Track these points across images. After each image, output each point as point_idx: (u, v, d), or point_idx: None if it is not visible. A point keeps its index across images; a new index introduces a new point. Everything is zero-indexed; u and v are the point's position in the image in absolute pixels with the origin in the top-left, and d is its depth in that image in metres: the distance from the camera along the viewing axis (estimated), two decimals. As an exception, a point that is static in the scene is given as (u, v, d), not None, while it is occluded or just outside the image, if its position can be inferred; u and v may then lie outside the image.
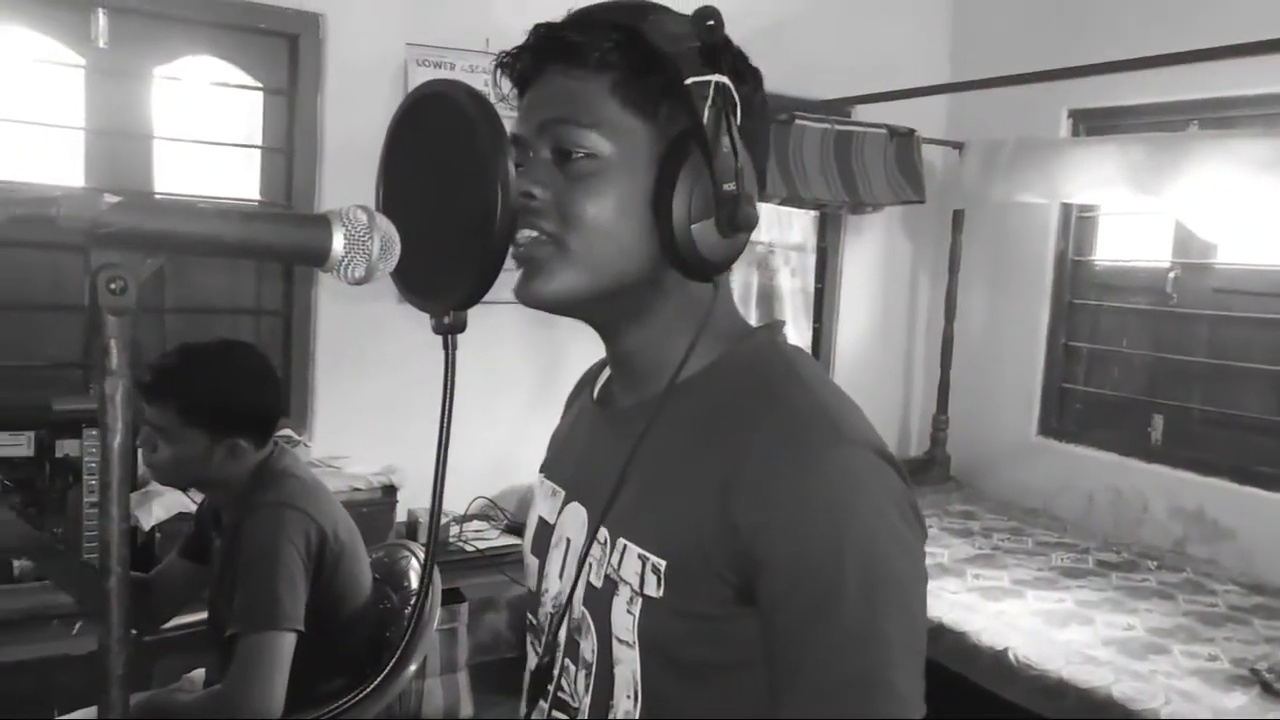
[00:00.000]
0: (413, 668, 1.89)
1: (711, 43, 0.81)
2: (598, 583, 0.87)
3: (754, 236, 3.33)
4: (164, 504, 2.66)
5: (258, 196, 3.20)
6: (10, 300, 2.82)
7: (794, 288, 4.10)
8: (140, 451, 1.85)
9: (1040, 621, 2.80)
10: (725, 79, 0.81)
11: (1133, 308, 3.89)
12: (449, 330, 0.79)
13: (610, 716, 0.86)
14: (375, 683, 0.88)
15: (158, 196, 2.99)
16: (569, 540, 0.93)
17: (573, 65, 0.84)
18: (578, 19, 0.86)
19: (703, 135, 0.80)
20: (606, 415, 0.98)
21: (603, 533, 0.87)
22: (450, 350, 0.80)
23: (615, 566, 0.85)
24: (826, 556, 0.76)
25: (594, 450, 0.95)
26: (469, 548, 3.17)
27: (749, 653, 0.80)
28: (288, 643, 1.68)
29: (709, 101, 0.80)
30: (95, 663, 1.76)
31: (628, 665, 0.84)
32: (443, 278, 0.78)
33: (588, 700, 0.88)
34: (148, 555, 2.70)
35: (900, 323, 4.54)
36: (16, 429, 2.65)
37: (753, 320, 3.55)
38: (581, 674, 0.89)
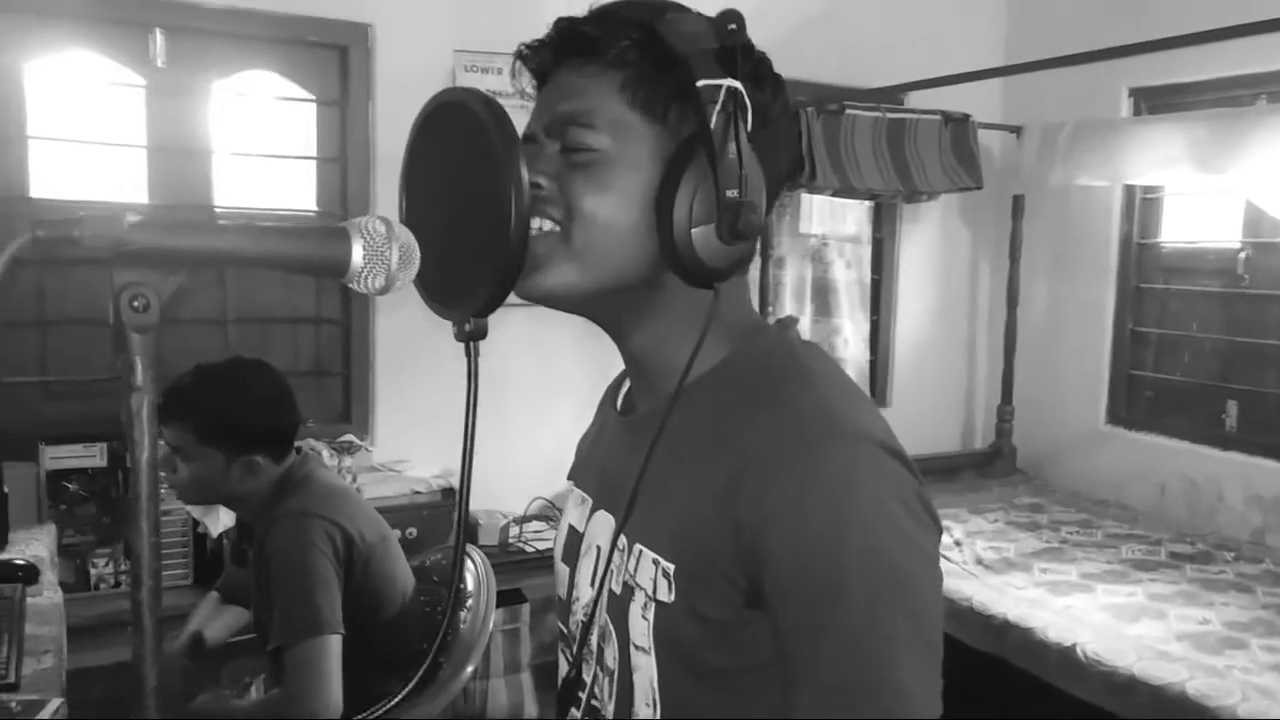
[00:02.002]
0: (469, 670, 1.91)
1: (729, 46, 0.80)
2: (617, 589, 0.87)
3: (807, 228, 3.27)
4: (230, 512, 2.72)
5: (314, 207, 3.26)
6: (80, 315, 2.91)
7: (849, 280, 4.05)
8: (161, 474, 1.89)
9: (1110, 616, 2.73)
10: (736, 83, 0.79)
11: (1202, 290, 3.77)
12: (470, 337, 0.79)
13: None
14: (402, 693, 0.88)
15: (215, 210, 3.07)
16: (599, 548, 0.93)
17: (587, 61, 0.84)
18: (598, 14, 0.86)
19: (709, 139, 0.79)
20: (626, 422, 0.97)
21: (622, 539, 0.87)
22: (473, 357, 0.80)
23: (632, 572, 0.85)
24: (827, 555, 0.74)
25: (616, 457, 0.95)
26: (529, 548, 3.20)
27: (763, 656, 0.79)
28: (333, 646, 1.71)
29: (719, 105, 0.79)
30: (169, 662, 1.79)
31: (645, 672, 0.84)
32: (462, 285, 0.78)
33: (611, 707, 0.88)
34: (218, 562, 2.77)
35: (961, 312, 4.46)
36: (90, 440, 2.74)
37: (807, 317, 3.50)
38: (607, 681, 0.89)
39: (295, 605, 1.74)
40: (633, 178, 0.82)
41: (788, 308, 3.93)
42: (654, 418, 0.87)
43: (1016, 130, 3.94)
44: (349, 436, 3.18)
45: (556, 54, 0.86)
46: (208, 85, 3.06)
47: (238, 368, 1.95)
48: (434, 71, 3.16)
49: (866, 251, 4.10)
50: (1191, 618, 2.72)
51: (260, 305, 3.18)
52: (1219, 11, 2.75)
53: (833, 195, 3.73)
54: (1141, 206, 3.94)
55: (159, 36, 2.95)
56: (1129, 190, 3.90)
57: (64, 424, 2.80)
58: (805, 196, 3.84)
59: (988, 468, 4.18)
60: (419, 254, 0.75)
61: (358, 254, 0.72)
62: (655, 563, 0.83)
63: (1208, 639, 2.59)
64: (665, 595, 0.81)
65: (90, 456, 2.72)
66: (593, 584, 0.93)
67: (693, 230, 0.81)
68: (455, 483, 3.09)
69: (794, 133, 0.93)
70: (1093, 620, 2.70)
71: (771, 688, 0.79)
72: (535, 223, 0.83)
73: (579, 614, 0.94)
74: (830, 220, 4.00)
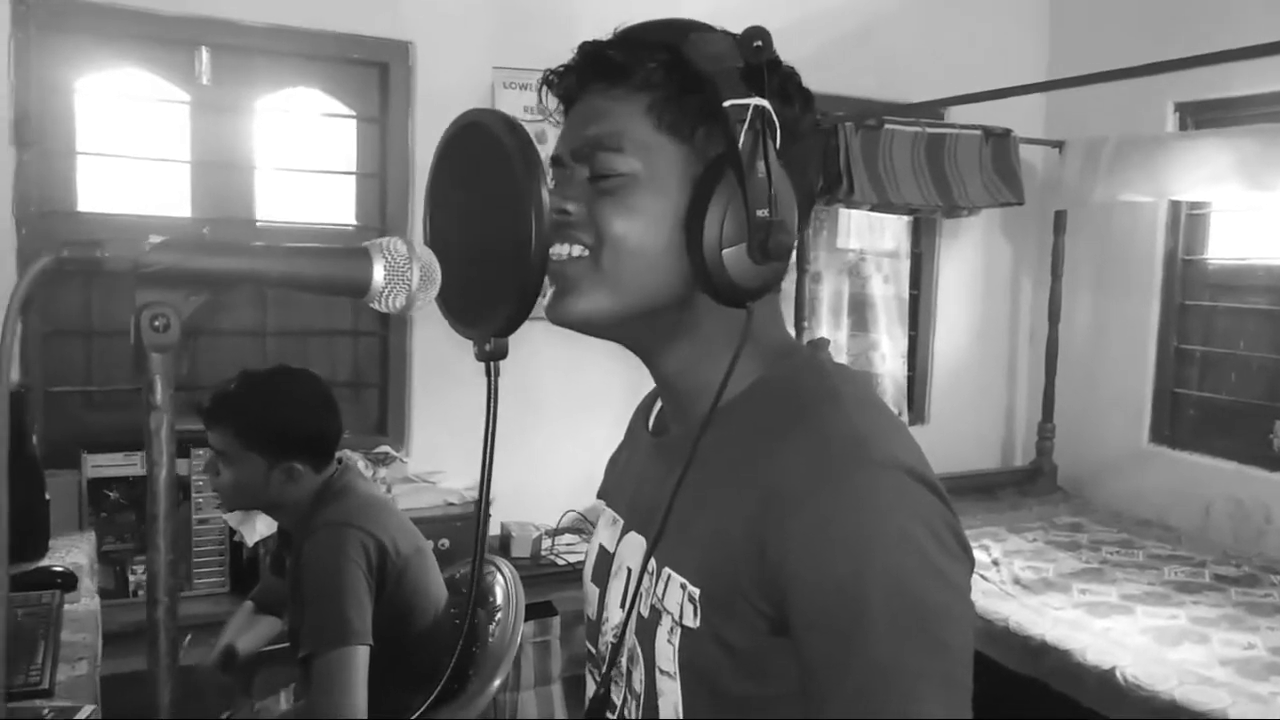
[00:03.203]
0: (497, 682, 1.91)
1: (755, 64, 0.80)
2: (645, 612, 0.86)
3: (844, 243, 3.25)
4: (267, 521, 2.75)
5: (354, 221, 3.30)
6: (124, 327, 2.95)
7: (887, 295, 4.01)
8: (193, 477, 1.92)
9: (1151, 639, 2.67)
10: (764, 101, 0.79)
11: (1250, 308, 3.69)
12: (490, 357, 0.79)
13: None
14: (420, 710, 0.89)
15: (255, 226, 3.11)
16: (630, 570, 0.93)
17: (613, 85, 0.84)
18: (622, 38, 0.86)
19: (737, 159, 0.79)
20: (658, 444, 0.97)
21: (652, 563, 0.87)
22: (493, 377, 0.80)
23: (660, 596, 0.84)
24: (850, 586, 0.73)
25: (648, 479, 0.94)
26: (561, 561, 3.20)
27: (788, 685, 0.78)
28: (361, 657, 1.72)
29: (746, 124, 0.78)
30: (196, 675, 1.82)
31: (670, 697, 0.83)
32: (483, 305, 0.79)
33: None
34: (254, 570, 2.80)
35: (1002, 329, 4.41)
36: (130, 450, 2.78)
37: (844, 332, 3.48)
38: (634, 704, 0.89)
39: (325, 615, 1.75)
40: (662, 200, 0.82)
41: (824, 323, 3.91)
42: (686, 440, 0.86)
43: (1059, 145, 3.90)
44: (384, 448, 3.21)
45: (581, 78, 0.86)
46: (251, 102, 3.11)
47: (282, 375, 1.98)
48: (473, 88, 3.19)
49: (905, 266, 4.07)
50: (1236, 642, 2.66)
51: (299, 318, 3.22)
52: (1267, 25, 2.71)
53: (870, 210, 3.71)
54: (1187, 222, 3.87)
55: (204, 54, 3.01)
56: (1174, 206, 3.84)
57: (106, 433, 2.84)
58: (843, 211, 3.82)
59: (1028, 486, 4.12)
60: (440, 274, 0.76)
61: (379, 274, 0.72)
62: (683, 587, 0.82)
63: (1252, 665, 2.52)
64: (691, 620, 0.81)
65: (131, 465, 2.77)
66: (622, 606, 0.92)
67: (724, 251, 0.80)
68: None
69: (823, 147, 0.92)
70: (1133, 643, 2.65)
71: (795, 715, 0.78)
72: (564, 248, 0.83)
73: (609, 635, 0.94)
74: (868, 235, 3.97)
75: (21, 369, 2.80)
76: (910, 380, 4.17)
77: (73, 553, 2.33)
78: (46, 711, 1.54)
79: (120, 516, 2.81)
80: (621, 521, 0.98)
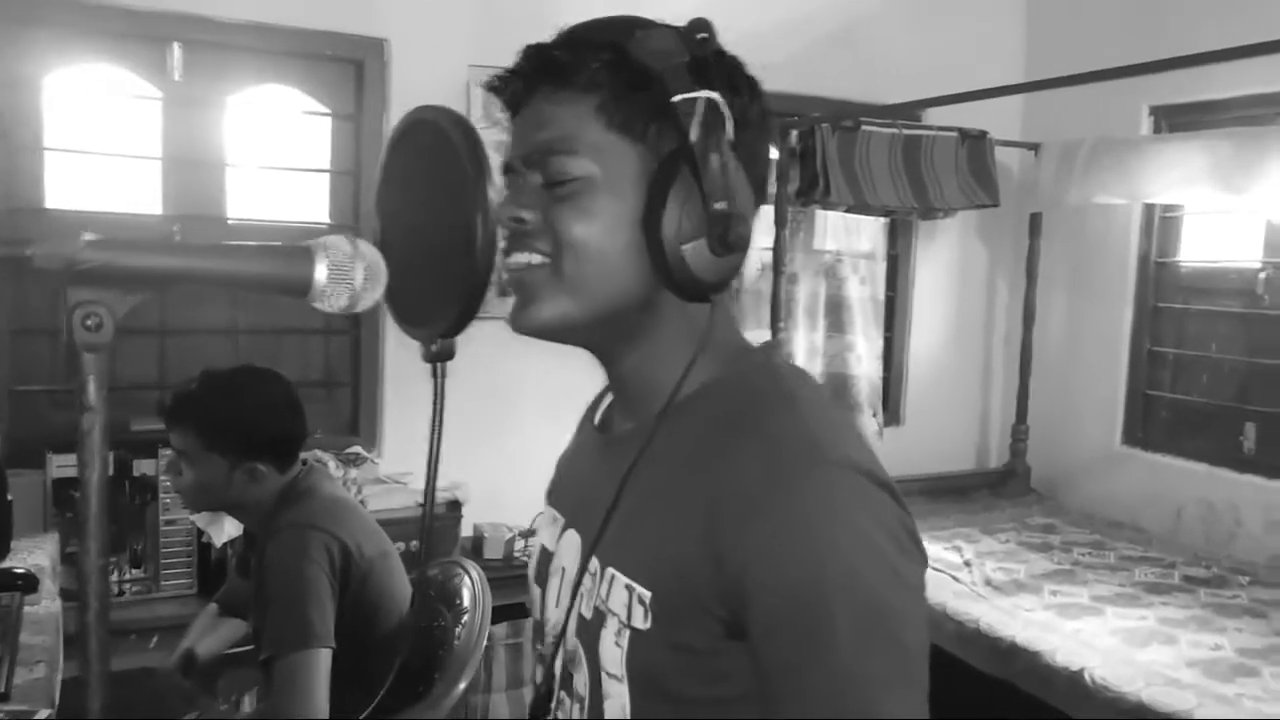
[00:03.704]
0: (463, 684, 1.90)
1: (701, 56, 0.79)
2: (588, 614, 0.85)
3: (821, 244, 3.24)
4: (235, 523, 2.72)
5: (328, 219, 3.28)
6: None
7: (863, 296, 4.01)
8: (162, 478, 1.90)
9: (1120, 641, 2.68)
10: (714, 94, 0.78)
11: (1222, 311, 3.71)
12: (436, 358, 0.78)
13: None
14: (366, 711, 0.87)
15: (227, 224, 3.08)
16: (564, 569, 0.92)
17: (560, 87, 0.82)
18: (566, 38, 0.84)
19: (691, 154, 0.78)
20: (605, 441, 0.96)
21: (594, 562, 0.86)
22: (439, 378, 0.79)
23: (604, 597, 0.83)
24: (810, 590, 0.73)
25: (592, 476, 0.93)
26: (534, 563, 3.18)
27: (742, 687, 0.77)
28: (322, 660, 1.70)
29: (697, 118, 0.78)
30: (158, 679, 1.79)
31: (617, 699, 0.82)
32: (430, 306, 0.78)
33: None
34: (221, 572, 2.78)
35: (977, 330, 4.42)
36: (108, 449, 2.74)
37: (820, 333, 3.47)
38: (576, 707, 0.87)
39: (286, 617, 1.73)
40: (619, 201, 0.81)
41: (800, 324, 3.91)
42: (634, 438, 0.86)
43: (1035, 148, 3.91)
44: (356, 448, 3.19)
45: (528, 82, 0.85)
46: (224, 98, 3.08)
47: (245, 375, 1.96)
48: (448, 86, 3.17)
49: (881, 268, 4.07)
50: (1203, 644, 2.68)
51: (271, 317, 3.20)
52: (1242, 29, 2.71)
53: (847, 211, 3.71)
54: (1160, 225, 3.89)
55: (177, 50, 2.98)
56: (1148, 209, 3.86)
57: (72, 433, 2.80)
58: (819, 212, 3.81)
59: (1001, 487, 4.14)
60: (386, 274, 0.74)
61: (321, 273, 0.71)
62: (629, 589, 0.81)
63: (1219, 666, 2.54)
64: (641, 623, 0.80)
65: (98, 465, 2.73)
66: (558, 605, 0.91)
67: (684, 247, 0.80)
68: (460, 495, 3.09)
69: (772, 133, 0.92)
70: (1102, 645, 2.66)
71: (748, 718, 0.77)
72: (524, 257, 0.82)
73: (548, 636, 0.93)
74: (845, 236, 3.97)
75: (-14, 367, 2.77)
76: (886, 382, 4.17)
77: (35, 554, 2.30)
78: (1, 716, 1.52)
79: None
80: (562, 520, 0.97)
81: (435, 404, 0.78)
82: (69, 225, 2.82)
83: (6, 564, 2.18)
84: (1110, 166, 3.58)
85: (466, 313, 0.75)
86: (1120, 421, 3.96)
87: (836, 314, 3.98)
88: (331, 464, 3.00)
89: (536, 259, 0.82)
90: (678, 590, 0.78)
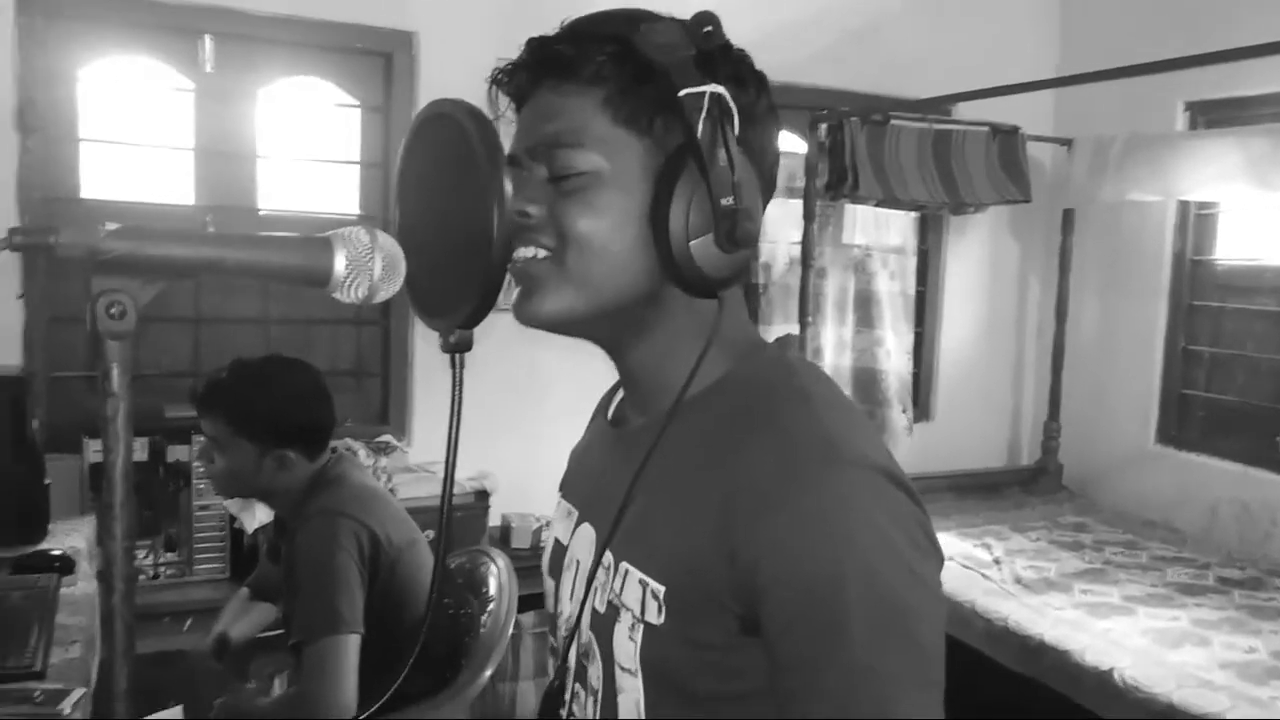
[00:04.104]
0: (488, 672, 1.92)
1: (707, 50, 0.79)
2: (601, 608, 0.85)
3: (850, 239, 3.23)
4: (266, 509, 2.76)
5: (357, 210, 3.31)
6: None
7: (893, 291, 3.99)
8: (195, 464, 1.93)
9: (1151, 641, 2.65)
10: (720, 88, 0.78)
11: (1259, 309, 3.65)
12: (454, 349, 0.79)
13: None
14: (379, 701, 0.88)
15: (258, 214, 3.12)
16: (579, 562, 0.92)
17: (565, 80, 0.82)
18: (570, 31, 0.84)
19: (698, 148, 0.77)
20: (618, 435, 0.96)
21: (607, 556, 0.86)
22: (457, 369, 0.79)
23: (617, 591, 0.83)
24: (825, 588, 0.72)
25: (605, 471, 0.93)
26: (560, 554, 3.20)
27: (757, 683, 0.77)
28: (350, 645, 1.72)
29: (704, 113, 0.77)
30: (191, 661, 1.83)
31: (631, 694, 0.82)
32: (447, 298, 0.78)
33: None
34: (254, 557, 2.81)
35: (1008, 327, 4.38)
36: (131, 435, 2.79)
37: (849, 328, 3.46)
38: (590, 700, 0.87)
39: (316, 603, 1.76)
40: (625, 196, 0.81)
41: (829, 319, 3.89)
42: (647, 433, 0.85)
43: (1068, 143, 3.87)
44: (386, 437, 3.21)
45: (533, 75, 0.84)
46: (255, 90, 3.11)
47: (274, 364, 1.99)
48: (477, 78, 3.12)
49: (911, 263, 4.04)
50: (1237, 645, 2.64)
51: (302, 307, 3.23)
52: (1279, 24, 2.67)
53: (876, 206, 3.69)
54: (1196, 223, 3.84)
55: (208, 42, 3.01)
56: (1183, 206, 3.80)
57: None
58: (849, 207, 3.79)
59: (1033, 485, 4.10)
60: (404, 265, 0.75)
61: (340, 264, 0.72)
62: (643, 584, 0.81)
63: (1253, 668, 2.50)
64: (655, 617, 0.80)
65: (132, 450, 2.78)
66: (571, 598, 0.92)
67: (691, 242, 0.79)
68: (488, 485, 3.11)
69: (779, 128, 0.91)
70: (1133, 645, 2.63)
71: (762, 714, 0.77)
72: (528, 251, 0.82)
73: (562, 629, 0.94)
74: (874, 231, 3.95)
75: (25, 354, 2.82)
76: (915, 377, 4.15)
77: (72, 536, 2.34)
78: (37, 694, 1.55)
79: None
80: (576, 514, 0.97)
81: (454, 394, 0.79)
82: (91, 215, 2.87)
83: (44, 546, 2.24)
84: (1144, 163, 3.53)
85: (483, 305, 0.75)
86: (1154, 420, 3.91)
87: (866, 309, 3.96)
88: (362, 452, 3.03)
89: (541, 253, 0.82)
90: (691, 585, 0.78)
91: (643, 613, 0.81)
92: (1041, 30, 4.22)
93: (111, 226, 0.65)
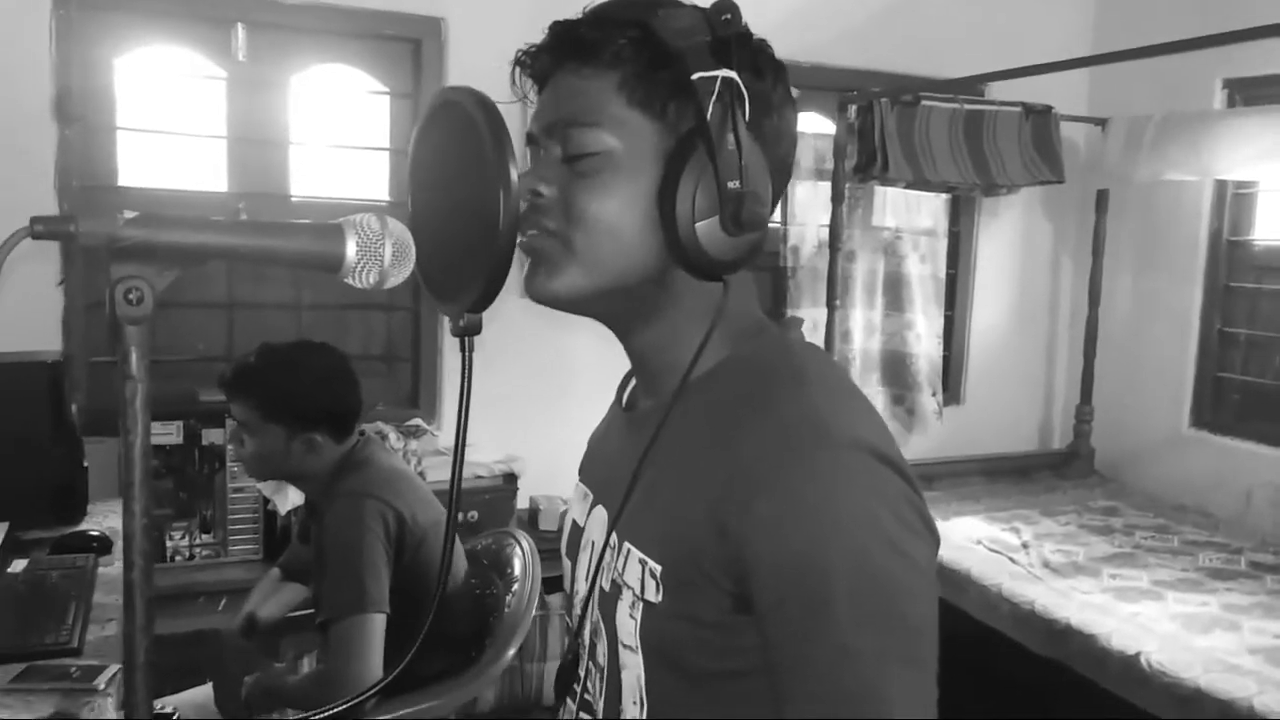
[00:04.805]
0: (512, 651, 1.94)
1: (723, 37, 0.80)
2: (607, 587, 0.87)
3: (880, 221, 3.23)
4: (299, 491, 2.81)
5: (387, 197, 3.34)
6: (161, 299, 3.02)
7: (923, 274, 3.96)
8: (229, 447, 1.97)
9: (1179, 626, 2.64)
10: (732, 74, 0.79)
11: (1297, 290, 3.60)
12: (464, 333, 0.80)
13: None
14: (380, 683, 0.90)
15: (290, 201, 3.15)
16: (594, 543, 0.94)
17: (585, 63, 0.84)
18: (592, 16, 0.86)
19: (707, 132, 0.79)
20: (628, 419, 0.98)
21: (614, 536, 0.88)
22: (466, 352, 0.81)
23: (620, 571, 0.85)
24: (813, 566, 0.74)
25: (617, 454, 0.95)
26: (588, 536, 3.23)
27: (751, 661, 0.78)
28: (376, 624, 1.76)
29: (714, 97, 0.78)
30: (222, 640, 1.87)
31: (632, 670, 0.85)
32: (457, 282, 0.80)
33: (602, 703, 0.89)
34: (287, 539, 2.87)
35: (1041, 309, 4.34)
36: (167, 419, 2.85)
37: (878, 311, 3.46)
38: (598, 676, 0.90)
39: (342, 582, 1.79)
40: (636, 177, 0.82)
41: (858, 301, 3.88)
42: (654, 415, 0.87)
43: (1102, 123, 3.82)
44: (417, 420, 3.26)
45: (554, 57, 0.86)
46: (286, 78, 3.15)
47: (301, 348, 2.02)
48: (504, 63, 3.15)
49: (942, 245, 4.01)
50: (1267, 630, 2.62)
51: (333, 292, 3.27)
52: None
53: (906, 188, 3.66)
54: (1233, 202, 3.78)
55: (241, 31, 3.05)
56: (1220, 186, 3.75)
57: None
58: (879, 188, 3.77)
59: (1064, 469, 4.08)
60: (414, 251, 0.77)
61: (351, 250, 0.74)
62: (642, 563, 0.83)
63: (1283, 654, 2.48)
64: (653, 596, 0.82)
65: (168, 434, 2.84)
66: (586, 578, 0.94)
67: (697, 224, 0.81)
68: (516, 468, 3.14)
69: (796, 115, 0.92)
70: (1161, 629, 2.62)
71: (760, 694, 0.78)
72: (537, 230, 0.84)
73: (576, 608, 0.96)
74: (905, 213, 3.92)
75: (64, 339, 2.88)
76: (946, 361, 4.13)
77: (109, 517, 2.40)
78: (73, 670, 1.60)
79: (159, 483, 2.88)
80: (591, 496, 0.99)
81: (463, 376, 0.80)
82: (124, 202, 2.92)
83: (82, 527, 2.29)
84: (1181, 142, 3.48)
85: (490, 289, 0.76)
86: (1189, 403, 3.87)
87: (895, 291, 3.94)
88: (392, 436, 3.07)
89: (550, 234, 0.84)
90: (686, 564, 0.79)
91: (642, 591, 0.83)
92: (1075, 7, 4.16)
93: (129, 214, 0.67)
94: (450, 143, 0.80)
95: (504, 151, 0.75)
